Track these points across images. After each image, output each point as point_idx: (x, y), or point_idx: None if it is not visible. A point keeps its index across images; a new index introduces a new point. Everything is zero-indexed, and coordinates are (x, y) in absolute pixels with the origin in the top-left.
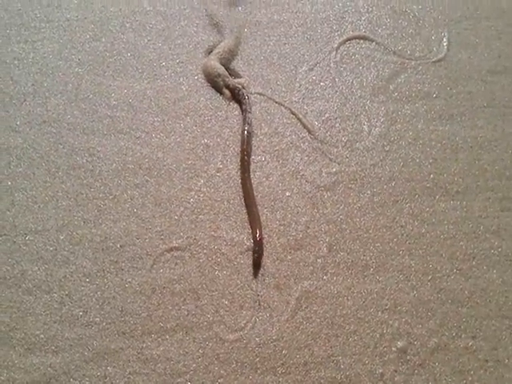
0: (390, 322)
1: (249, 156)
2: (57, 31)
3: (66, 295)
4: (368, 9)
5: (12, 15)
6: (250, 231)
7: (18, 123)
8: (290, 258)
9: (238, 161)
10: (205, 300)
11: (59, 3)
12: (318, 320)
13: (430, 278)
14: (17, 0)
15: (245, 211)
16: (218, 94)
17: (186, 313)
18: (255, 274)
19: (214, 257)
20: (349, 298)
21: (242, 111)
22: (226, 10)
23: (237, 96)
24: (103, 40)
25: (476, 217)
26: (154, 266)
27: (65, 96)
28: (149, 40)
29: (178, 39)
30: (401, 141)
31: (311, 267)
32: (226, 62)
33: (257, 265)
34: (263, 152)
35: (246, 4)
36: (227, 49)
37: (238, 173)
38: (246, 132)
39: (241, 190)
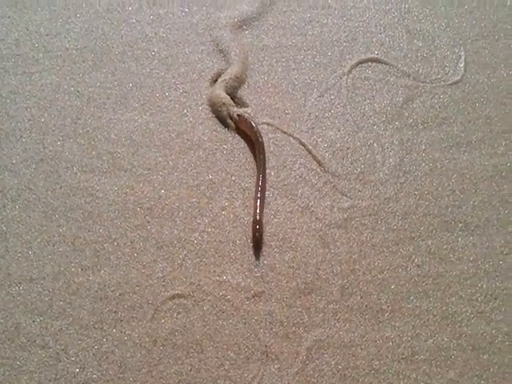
0: (408, 373)
1: (261, 137)
2: (55, 62)
3: (62, 350)
4: (380, 29)
5: (9, 45)
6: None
7: (14, 162)
8: (299, 303)
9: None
10: (209, 353)
11: (58, 31)
12: (330, 372)
13: (448, 322)
14: (14, 30)
15: (251, 252)
16: (224, 126)
17: (189, 368)
18: (257, 256)
19: (218, 304)
20: (363, 346)
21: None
22: (232, 35)
23: (241, 125)
24: (104, 70)
25: (497, 253)
26: (155, 316)
27: (63, 132)
28: (151, 69)
29: (181, 67)
30: (416, 172)
31: (322, 313)
32: (233, 91)
33: (258, 245)
34: (271, 187)
35: (252, 28)
36: (233, 76)
37: (245, 210)
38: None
39: (247, 230)
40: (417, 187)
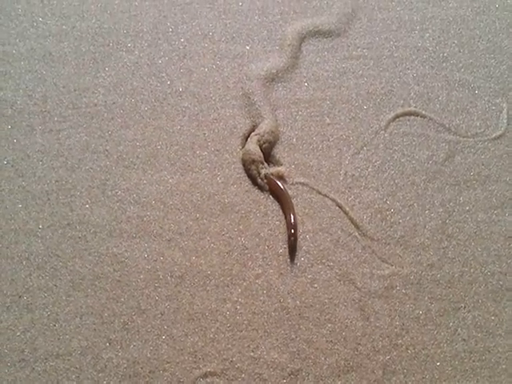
0: None
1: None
2: (83, 119)
3: None
4: (418, 80)
5: (36, 101)
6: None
7: (41, 227)
8: (339, 383)
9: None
10: None
11: (87, 87)
12: None
13: None
14: (41, 85)
15: (289, 324)
16: (256, 186)
17: None
18: (292, 259)
19: (253, 383)
20: None
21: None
22: (264, 89)
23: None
24: (133, 127)
25: None
26: None
27: (91, 193)
28: (181, 126)
29: (212, 124)
30: (460, 235)
31: None
32: (268, 146)
33: (293, 248)
34: (306, 253)
35: (285, 81)
36: (268, 130)
37: (280, 279)
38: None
39: (282, 300)
40: (461, 252)
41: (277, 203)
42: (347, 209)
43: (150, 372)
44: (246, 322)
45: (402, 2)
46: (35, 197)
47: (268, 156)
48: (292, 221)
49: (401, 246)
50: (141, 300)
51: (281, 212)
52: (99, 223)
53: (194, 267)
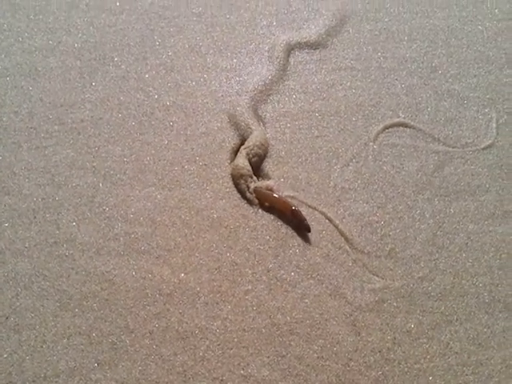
0: None
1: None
2: (70, 135)
3: None
4: (406, 91)
5: (22, 118)
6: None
7: (27, 245)
8: None
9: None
10: None
11: (73, 102)
12: None
13: None
14: (27, 101)
15: (280, 341)
16: (245, 201)
17: None
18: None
19: None
20: None
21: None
22: (252, 102)
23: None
24: (120, 143)
25: None
26: None
27: (78, 210)
28: (169, 140)
29: (201, 138)
30: (450, 246)
31: None
32: (258, 159)
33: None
34: (296, 267)
35: (272, 93)
36: (258, 143)
37: (270, 294)
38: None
39: (272, 316)
40: (452, 264)
41: (266, 217)
42: (337, 222)
43: None
44: (236, 340)
45: (389, 12)
46: (22, 215)
47: (257, 170)
48: (294, 208)
49: (391, 258)
50: (129, 319)
51: (270, 226)
52: (87, 241)
53: (182, 284)
